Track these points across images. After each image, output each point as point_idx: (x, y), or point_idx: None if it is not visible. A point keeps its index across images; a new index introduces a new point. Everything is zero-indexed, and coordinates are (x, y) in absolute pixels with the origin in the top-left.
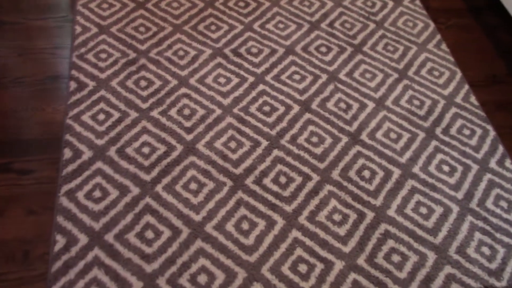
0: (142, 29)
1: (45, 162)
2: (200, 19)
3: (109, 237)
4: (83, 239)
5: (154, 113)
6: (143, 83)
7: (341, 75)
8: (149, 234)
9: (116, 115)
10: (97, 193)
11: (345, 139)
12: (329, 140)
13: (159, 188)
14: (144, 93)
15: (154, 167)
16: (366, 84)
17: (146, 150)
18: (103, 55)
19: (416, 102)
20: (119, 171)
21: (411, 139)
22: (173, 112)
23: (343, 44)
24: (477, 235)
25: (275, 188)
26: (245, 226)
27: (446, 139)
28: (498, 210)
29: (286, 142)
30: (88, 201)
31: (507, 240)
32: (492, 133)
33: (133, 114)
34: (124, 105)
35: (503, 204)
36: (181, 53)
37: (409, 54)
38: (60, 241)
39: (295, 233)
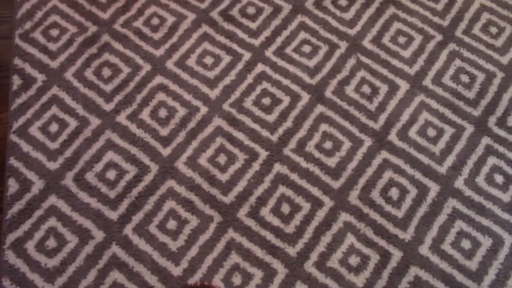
0: None
1: None
2: None
3: None
4: None
5: (121, 118)
6: (106, 71)
7: (366, 42)
8: None
9: (73, 124)
10: (51, 243)
11: (368, 142)
12: (347, 145)
13: (128, 230)
14: (108, 88)
15: (122, 200)
16: (399, 54)
17: (111, 175)
18: (54, 32)
19: (465, 78)
20: (78, 209)
21: (455, 136)
22: (145, 114)
23: None
24: None
25: (275, 221)
26: (237, 280)
27: (502, 133)
28: None
29: (291, 151)
30: (40, 255)
31: None
32: None
33: (94, 122)
34: (82, 108)
35: None
36: (155, 21)
37: (458, 2)
38: None
39: None
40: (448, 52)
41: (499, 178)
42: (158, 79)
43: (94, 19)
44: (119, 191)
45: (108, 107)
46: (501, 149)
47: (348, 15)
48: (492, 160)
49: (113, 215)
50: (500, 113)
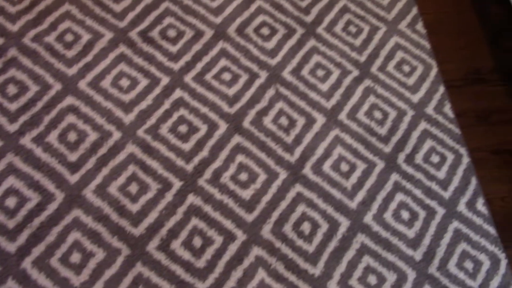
0: None
1: None
2: None
3: None
4: None
5: (26, 140)
6: (12, 89)
7: (286, 73)
8: None
9: None
10: None
11: (283, 175)
12: (262, 177)
13: (27, 263)
14: (13, 106)
15: (21, 231)
16: (317, 87)
17: (11, 202)
18: None
19: (378, 115)
20: None
21: (366, 172)
22: (53, 137)
23: (292, 22)
24: None
25: (186, 255)
26: None
27: (410, 170)
28: (461, 275)
29: (206, 182)
30: None
31: None
32: (465, 160)
33: None
34: None
35: (468, 265)
36: (69, 37)
37: (375, 39)
38: None
39: None
40: (363, 88)
41: (405, 214)
42: (69, 100)
43: (1, 31)
44: (19, 221)
45: (12, 127)
46: (408, 185)
47: (269, 45)
48: (399, 197)
49: (11, 247)
50: (409, 150)
